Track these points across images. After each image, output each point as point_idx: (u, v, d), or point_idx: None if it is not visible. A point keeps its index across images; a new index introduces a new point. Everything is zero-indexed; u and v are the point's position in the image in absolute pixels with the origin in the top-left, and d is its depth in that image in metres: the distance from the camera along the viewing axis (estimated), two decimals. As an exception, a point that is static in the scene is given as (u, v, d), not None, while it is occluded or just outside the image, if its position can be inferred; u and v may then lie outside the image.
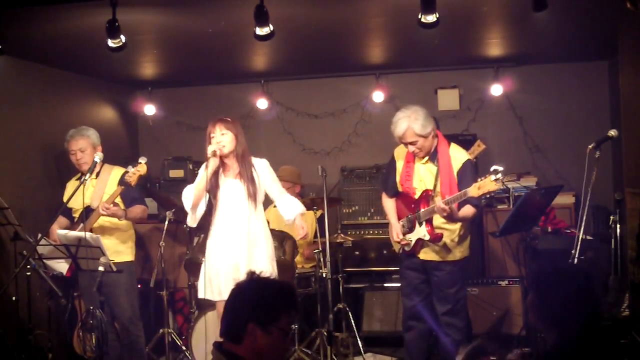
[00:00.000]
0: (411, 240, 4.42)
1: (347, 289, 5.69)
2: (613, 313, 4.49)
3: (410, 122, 4.24)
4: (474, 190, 3.97)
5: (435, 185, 4.32)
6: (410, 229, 4.44)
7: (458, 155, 4.37)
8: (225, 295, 4.24)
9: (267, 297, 2.45)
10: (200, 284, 4.40)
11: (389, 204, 4.63)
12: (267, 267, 4.33)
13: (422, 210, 4.32)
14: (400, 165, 4.49)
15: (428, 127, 4.27)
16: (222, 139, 4.30)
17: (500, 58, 6.38)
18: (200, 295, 4.43)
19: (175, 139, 7.23)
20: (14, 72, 5.45)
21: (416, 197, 4.39)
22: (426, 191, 4.33)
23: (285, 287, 2.55)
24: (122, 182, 4.56)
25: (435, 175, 4.34)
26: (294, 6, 4.48)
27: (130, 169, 4.50)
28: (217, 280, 4.30)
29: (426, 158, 4.38)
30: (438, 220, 4.32)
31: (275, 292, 2.48)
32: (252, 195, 4.33)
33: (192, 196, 4.34)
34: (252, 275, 2.57)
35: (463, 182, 4.21)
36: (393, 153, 4.60)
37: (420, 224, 4.33)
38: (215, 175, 4.34)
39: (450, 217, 4.21)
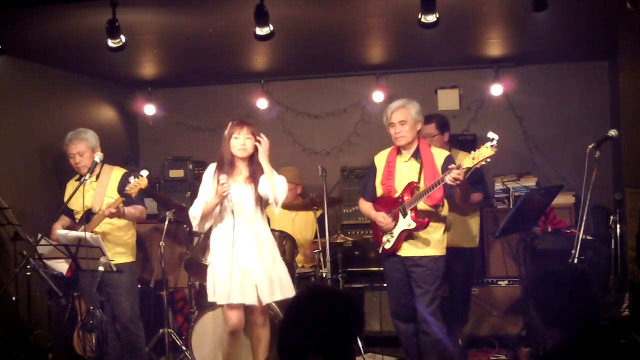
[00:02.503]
0: (393, 236, 4.42)
1: (347, 289, 5.69)
2: (613, 313, 4.49)
3: (406, 103, 4.45)
4: (468, 161, 3.96)
5: (419, 180, 4.37)
6: (394, 224, 4.44)
7: (440, 152, 4.49)
8: (233, 299, 4.28)
9: (327, 325, 2.06)
10: (208, 287, 4.41)
11: (366, 204, 4.66)
12: (283, 267, 4.45)
13: (407, 198, 4.34)
14: (381, 168, 4.54)
15: (418, 118, 4.45)
16: (246, 142, 4.35)
17: (500, 58, 6.38)
18: (210, 299, 4.43)
19: (175, 139, 7.23)
20: (14, 72, 5.45)
21: (397, 195, 4.42)
22: (411, 183, 4.36)
23: (348, 309, 2.13)
24: (123, 193, 4.56)
25: (418, 170, 4.39)
26: (294, 6, 4.48)
27: (132, 180, 4.51)
28: (225, 285, 4.29)
29: (409, 155, 4.44)
30: (423, 207, 4.34)
31: (337, 316, 2.09)
32: (260, 201, 4.40)
33: (199, 216, 4.35)
34: (309, 292, 2.21)
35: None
36: (373, 160, 4.63)
37: (405, 215, 4.34)
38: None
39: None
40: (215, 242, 4.43)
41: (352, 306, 2.14)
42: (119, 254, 4.78)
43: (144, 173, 4.50)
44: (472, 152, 3.96)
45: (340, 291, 2.26)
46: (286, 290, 4.43)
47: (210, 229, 4.49)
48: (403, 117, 4.40)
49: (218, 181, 4.30)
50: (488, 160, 3.89)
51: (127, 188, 4.51)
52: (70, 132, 4.88)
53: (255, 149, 4.40)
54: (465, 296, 5.36)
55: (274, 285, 4.38)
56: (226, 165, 4.38)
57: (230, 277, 4.28)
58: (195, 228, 4.49)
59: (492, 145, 3.85)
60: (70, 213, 4.91)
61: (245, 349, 4.67)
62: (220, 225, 4.41)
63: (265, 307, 4.45)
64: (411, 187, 4.36)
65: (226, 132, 4.41)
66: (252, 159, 4.42)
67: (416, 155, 4.43)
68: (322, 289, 2.25)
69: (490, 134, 3.87)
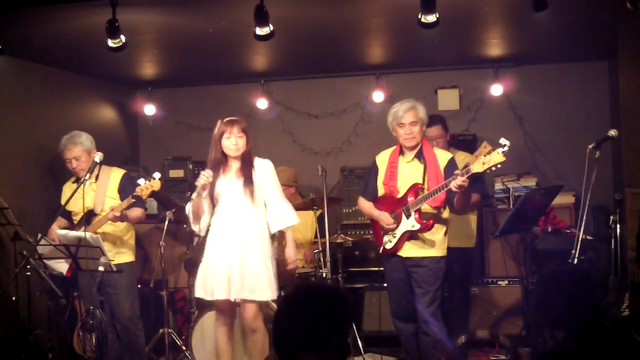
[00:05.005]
0: (395, 236, 4.41)
1: (347, 289, 5.68)
2: (613, 313, 4.49)
3: (415, 104, 4.42)
4: (478, 166, 3.96)
5: (423, 181, 4.36)
6: (396, 225, 4.43)
7: (443, 154, 4.48)
8: (217, 295, 4.26)
9: (315, 323, 2.05)
10: (197, 283, 4.41)
11: (367, 204, 4.63)
12: (262, 268, 4.29)
13: (411, 199, 4.32)
14: (383, 168, 4.53)
15: (425, 120, 4.45)
16: (238, 141, 4.29)
17: (500, 58, 6.38)
18: (196, 294, 4.44)
19: (175, 139, 7.23)
20: (14, 72, 5.45)
21: (399, 196, 4.40)
22: (415, 184, 4.35)
23: (336, 305, 2.11)
24: (133, 195, 4.51)
25: (422, 171, 4.38)
26: (294, 6, 4.48)
27: (143, 182, 4.49)
28: (210, 280, 4.29)
29: (412, 156, 4.43)
30: (425, 208, 4.33)
31: (325, 312, 2.07)
32: (249, 194, 4.29)
33: (190, 213, 4.38)
34: (295, 292, 2.18)
35: (450, 177, 4.22)
36: (375, 159, 4.61)
37: (409, 216, 4.34)
38: (216, 175, 4.33)
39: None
40: (209, 238, 4.41)
41: (340, 300, 2.12)
42: (119, 254, 4.78)
43: (157, 175, 4.47)
44: (482, 157, 3.98)
45: (330, 287, 2.25)
46: (261, 292, 4.28)
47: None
48: (414, 118, 4.37)
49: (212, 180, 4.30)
50: (498, 166, 3.91)
51: (138, 189, 4.46)
52: (64, 137, 4.84)
53: (247, 147, 4.33)
54: (465, 297, 5.36)
55: (247, 283, 4.25)
56: (216, 165, 4.34)
57: (218, 273, 4.26)
58: (194, 228, 4.45)
59: (503, 152, 3.86)
60: (67, 215, 4.90)
61: (244, 350, 4.67)
62: (214, 222, 4.39)
63: (253, 310, 4.33)
64: (416, 189, 4.34)
65: (215, 130, 4.35)
66: (243, 157, 4.34)
67: (419, 156, 4.42)
68: (312, 287, 2.23)
69: (502, 140, 3.88)
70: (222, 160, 4.35)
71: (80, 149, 4.78)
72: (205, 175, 4.25)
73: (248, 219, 4.33)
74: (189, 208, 4.42)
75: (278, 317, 2.15)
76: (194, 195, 4.36)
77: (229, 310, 4.42)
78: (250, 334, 4.42)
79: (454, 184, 4.03)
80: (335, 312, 2.08)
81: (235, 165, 4.36)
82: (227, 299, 4.29)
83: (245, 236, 4.31)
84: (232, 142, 4.28)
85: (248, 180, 4.31)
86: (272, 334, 2.17)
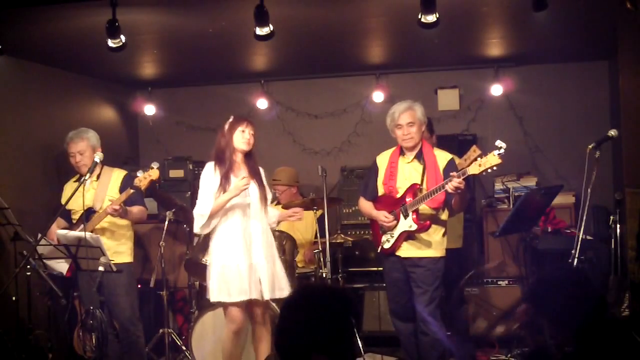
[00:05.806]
0: (393, 236, 4.42)
1: (347, 288, 5.68)
2: (613, 313, 4.49)
3: (412, 105, 4.44)
4: (474, 168, 3.98)
5: (422, 181, 4.37)
6: (395, 223, 4.43)
7: (443, 155, 4.49)
8: (248, 295, 4.30)
9: (326, 324, 2.07)
10: (213, 286, 4.36)
11: (367, 204, 4.65)
12: (280, 266, 4.46)
13: (409, 200, 4.34)
14: (383, 168, 4.54)
15: (424, 119, 4.47)
16: (251, 138, 4.40)
17: (500, 58, 6.38)
18: (214, 298, 4.37)
19: (175, 139, 7.23)
20: (14, 72, 5.46)
21: (398, 196, 4.41)
22: (413, 185, 4.36)
23: (344, 304, 2.14)
24: (132, 186, 4.50)
25: (421, 172, 4.39)
26: (294, 6, 4.48)
27: (141, 173, 4.48)
28: (230, 282, 4.29)
29: (412, 157, 4.44)
30: (424, 209, 4.34)
31: (334, 313, 2.09)
32: (264, 198, 4.44)
33: (208, 215, 4.33)
34: (302, 293, 2.22)
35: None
36: (375, 159, 4.63)
37: (406, 216, 4.34)
38: (227, 176, 4.37)
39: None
40: (221, 240, 4.40)
41: (346, 300, 2.14)
42: (118, 254, 4.77)
43: (155, 165, 4.47)
44: (479, 158, 4.00)
45: (332, 287, 2.26)
46: (285, 289, 4.44)
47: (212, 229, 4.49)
48: (411, 118, 4.39)
49: (225, 177, 4.32)
50: (494, 168, 3.93)
51: (136, 180, 4.45)
52: (71, 131, 4.89)
53: (253, 149, 4.46)
54: (460, 297, 5.35)
55: (275, 282, 4.41)
56: (227, 160, 4.38)
57: (242, 274, 4.29)
58: (198, 229, 4.43)
59: (499, 154, 3.88)
60: (67, 214, 4.90)
61: (244, 350, 4.67)
62: (226, 224, 4.39)
63: (266, 304, 4.46)
64: (414, 189, 4.36)
65: (227, 126, 4.41)
66: (249, 156, 4.45)
67: (419, 156, 4.44)
68: (314, 288, 2.26)
69: (499, 142, 3.90)
70: (231, 157, 4.39)
71: (85, 144, 4.81)
72: (246, 177, 4.32)
73: (264, 220, 4.46)
74: (205, 209, 4.33)
75: (284, 318, 2.14)
76: (223, 197, 4.30)
77: (244, 313, 4.40)
78: (261, 327, 4.48)
79: (450, 186, 4.04)
80: (345, 312, 2.10)
81: (241, 167, 4.43)
82: (245, 300, 4.31)
83: (267, 237, 4.44)
84: (246, 135, 4.38)
85: (260, 183, 4.44)
86: (277, 336, 2.16)
